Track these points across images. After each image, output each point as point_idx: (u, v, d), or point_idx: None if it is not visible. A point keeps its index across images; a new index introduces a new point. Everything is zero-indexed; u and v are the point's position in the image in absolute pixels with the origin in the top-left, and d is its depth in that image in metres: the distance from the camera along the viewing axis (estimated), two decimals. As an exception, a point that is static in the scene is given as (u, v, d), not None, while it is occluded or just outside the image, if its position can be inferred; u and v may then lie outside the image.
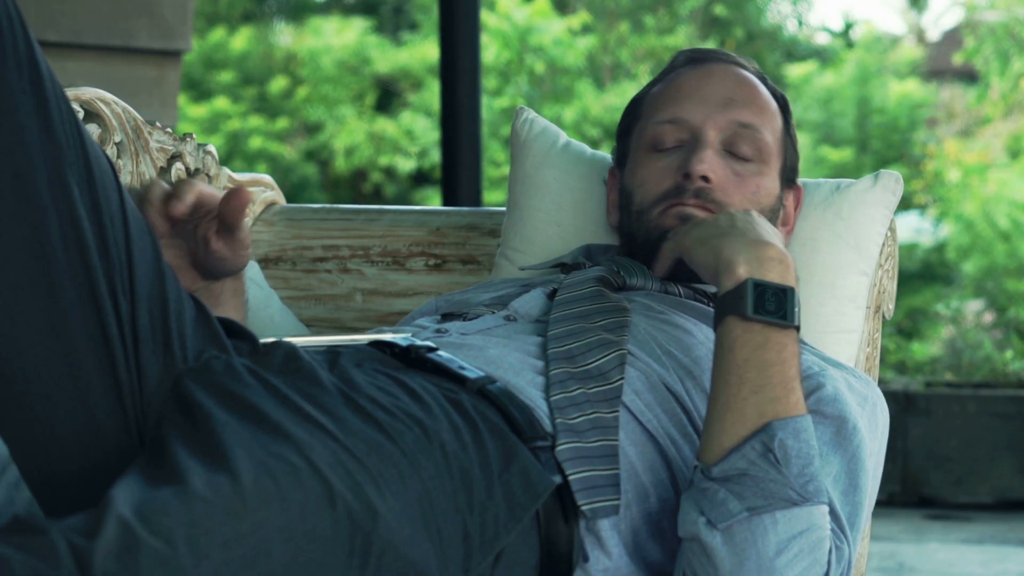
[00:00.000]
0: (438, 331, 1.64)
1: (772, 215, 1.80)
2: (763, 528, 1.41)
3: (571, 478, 1.43)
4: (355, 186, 10.98)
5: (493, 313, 1.69)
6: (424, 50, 10.69)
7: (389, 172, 10.59)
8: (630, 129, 1.88)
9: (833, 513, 1.48)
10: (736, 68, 1.84)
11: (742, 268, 1.52)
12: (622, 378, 1.53)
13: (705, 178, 1.74)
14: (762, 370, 1.47)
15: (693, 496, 1.45)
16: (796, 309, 1.51)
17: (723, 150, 1.78)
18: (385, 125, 10.51)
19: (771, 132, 1.80)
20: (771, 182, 1.80)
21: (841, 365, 1.68)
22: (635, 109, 1.89)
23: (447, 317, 1.72)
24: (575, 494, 1.43)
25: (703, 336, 1.64)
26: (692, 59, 1.87)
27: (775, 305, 1.50)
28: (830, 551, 1.44)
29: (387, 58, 10.96)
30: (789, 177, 1.85)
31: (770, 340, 1.49)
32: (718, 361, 1.50)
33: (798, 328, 1.51)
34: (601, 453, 1.46)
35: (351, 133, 10.54)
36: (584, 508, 1.43)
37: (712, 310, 1.68)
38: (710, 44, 10.63)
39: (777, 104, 1.84)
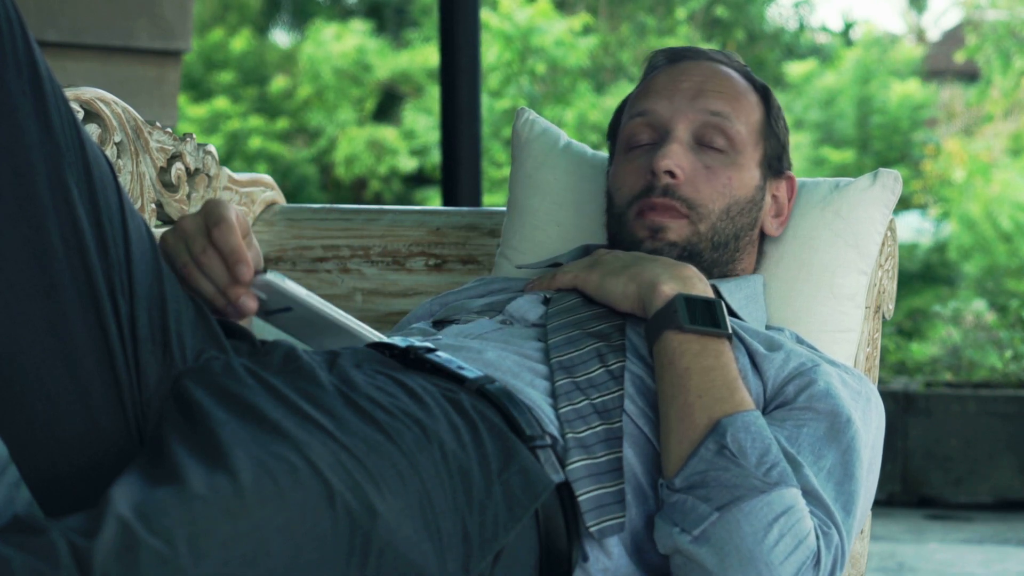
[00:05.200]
0: (434, 338, 1.64)
1: (751, 206, 1.80)
2: (736, 522, 1.42)
3: (581, 499, 1.45)
4: (356, 194, 10.98)
5: (488, 318, 1.69)
6: (425, 54, 10.69)
7: (388, 178, 10.58)
8: (614, 131, 1.90)
9: (820, 501, 1.49)
10: (710, 63, 1.85)
11: (667, 286, 1.59)
12: (621, 389, 1.55)
13: (672, 174, 1.75)
14: (703, 375, 1.51)
15: (664, 512, 1.47)
16: (727, 319, 1.56)
17: (695, 144, 1.78)
18: (386, 132, 10.51)
19: (745, 122, 1.80)
20: (746, 174, 1.79)
21: (835, 362, 1.68)
22: (619, 111, 1.91)
23: (440, 324, 1.72)
24: (584, 514, 1.45)
25: None
26: (668, 58, 1.88)
27: (707, 317, 1.55)
28: (817, 535, 1.45)
29: (388, 63, 10.95)
30: (775, 168, 1.84)
31: (707, 347, 1.53)
32: (661, 377, 1.54)
33: (731, 337, 1.55)
34: (608, 468, 1.48)
35: (351, 141, 10.54)
36: (593, 529, 1.45)
37: None
38: (714, 46, 10.63)
39: (758, 95, 1.84)
